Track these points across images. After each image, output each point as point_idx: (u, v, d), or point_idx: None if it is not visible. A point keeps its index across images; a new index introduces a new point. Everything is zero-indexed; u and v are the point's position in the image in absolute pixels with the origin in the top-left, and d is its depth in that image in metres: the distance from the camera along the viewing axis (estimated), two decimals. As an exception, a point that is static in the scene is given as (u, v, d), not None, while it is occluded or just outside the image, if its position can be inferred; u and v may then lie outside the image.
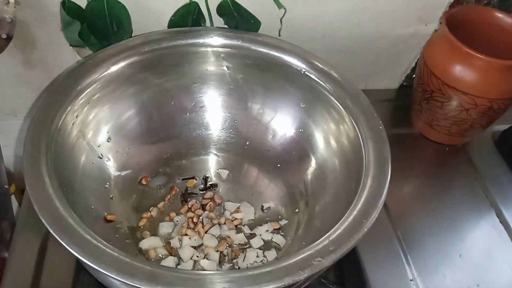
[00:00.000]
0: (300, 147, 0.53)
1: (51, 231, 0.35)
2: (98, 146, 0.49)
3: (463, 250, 0.54)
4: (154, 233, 0.50)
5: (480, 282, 0.52)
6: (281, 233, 0.51)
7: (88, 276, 0.47)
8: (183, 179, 0.55)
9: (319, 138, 0.51)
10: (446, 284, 0.51)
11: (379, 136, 0.43)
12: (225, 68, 0.53)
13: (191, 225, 0.51)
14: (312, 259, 0.34)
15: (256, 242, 0.50)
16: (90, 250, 0.34)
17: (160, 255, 0.48)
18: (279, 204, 0.53)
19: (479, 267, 0.53)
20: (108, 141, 0.50)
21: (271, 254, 0.49)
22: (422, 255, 0.53)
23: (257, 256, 0.49)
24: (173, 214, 0.52)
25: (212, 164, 0.57)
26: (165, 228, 0.50)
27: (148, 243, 0.48)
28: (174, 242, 0.49)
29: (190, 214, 0.52)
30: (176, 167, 0.55)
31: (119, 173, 0.51)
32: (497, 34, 0.59)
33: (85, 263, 0.33)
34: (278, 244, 0.50)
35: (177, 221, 0.51)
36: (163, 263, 0.47)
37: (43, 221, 0.35)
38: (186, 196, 0.54)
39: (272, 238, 0.50)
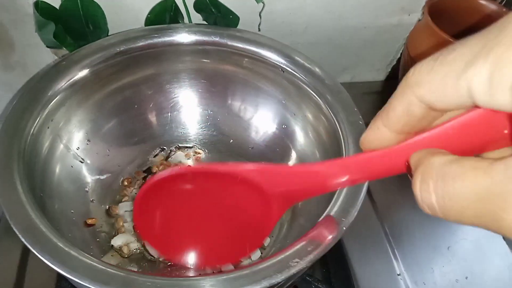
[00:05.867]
0: (284, 144, 0.52)
1: (22, 239, 0.34)
2: (77, 149, 0.48)
3: (451, 243, 0.54)
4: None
5: (468, 275, 0.51)
6: (265, 232, 0.50)
7: (71, 283, 0.46)
8: (166, 180, 0.54)
9: (301, 134, 0.50)
10: (434, 278, 0.51)
11: (359, 131, 0.42)
12: (203, 65, 0.52)
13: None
14: (289, 260, 0.33)
15: (240, 242, 0.49)
16: (63, 258, 0.33)
17: (133, 250, 0.47)
18: (264, 202, 0.52)
19: (468, 259, 0.53)
20: (87, 143, 0.49)
21: (256, 254, 0.48)
22: (409, 248, 0.53)
23: (242, 257, 0.48)
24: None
25: (195, 163, 0.56)
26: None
27: (120, 240, 0.47)
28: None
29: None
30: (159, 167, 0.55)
31: (99, 176, 0.50)
32: (481, 21, 0.58)
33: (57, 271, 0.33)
34: (262, 243, 0.49)
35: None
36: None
37: (14, 229, 0.34)
38: (169, 196, 0.53)
39: (256, 237, 0.49)
